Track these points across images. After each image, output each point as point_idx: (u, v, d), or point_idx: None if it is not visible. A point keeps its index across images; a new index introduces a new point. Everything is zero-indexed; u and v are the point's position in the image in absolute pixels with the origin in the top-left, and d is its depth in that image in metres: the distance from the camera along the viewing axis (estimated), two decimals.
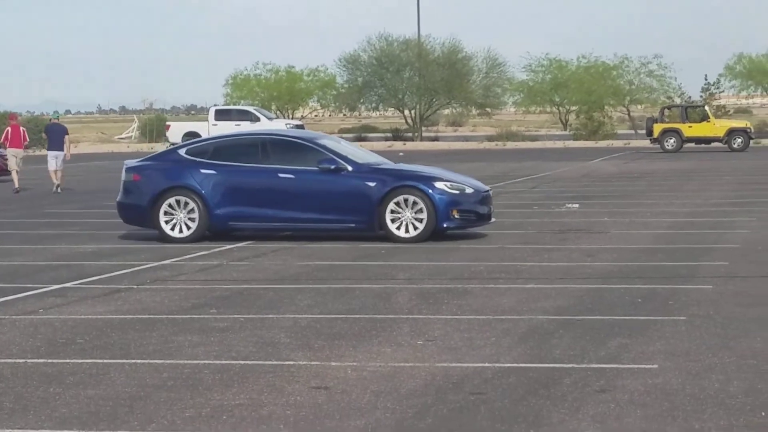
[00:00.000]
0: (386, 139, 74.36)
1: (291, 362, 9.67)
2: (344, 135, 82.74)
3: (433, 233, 18.23)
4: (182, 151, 19.18)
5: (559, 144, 68.79)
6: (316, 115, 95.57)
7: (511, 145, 68.58)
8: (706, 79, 76.65)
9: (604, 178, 35.78)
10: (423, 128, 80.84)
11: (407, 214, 18.18)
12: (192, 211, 18.54)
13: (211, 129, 57.50)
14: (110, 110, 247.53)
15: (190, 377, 9.15)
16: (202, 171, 18.69)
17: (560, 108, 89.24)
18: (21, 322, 11.67)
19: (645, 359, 9.62)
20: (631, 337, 10.55)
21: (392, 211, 18.18)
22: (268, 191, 18.52)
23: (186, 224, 18.57)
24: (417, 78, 78.20)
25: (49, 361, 9.82)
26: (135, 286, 14.03)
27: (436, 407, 8.15)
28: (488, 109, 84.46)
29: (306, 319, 11.72)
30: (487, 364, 9.51)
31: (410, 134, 77.63)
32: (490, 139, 73.16)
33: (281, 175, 18.59)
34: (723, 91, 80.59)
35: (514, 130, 78.33)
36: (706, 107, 60.90)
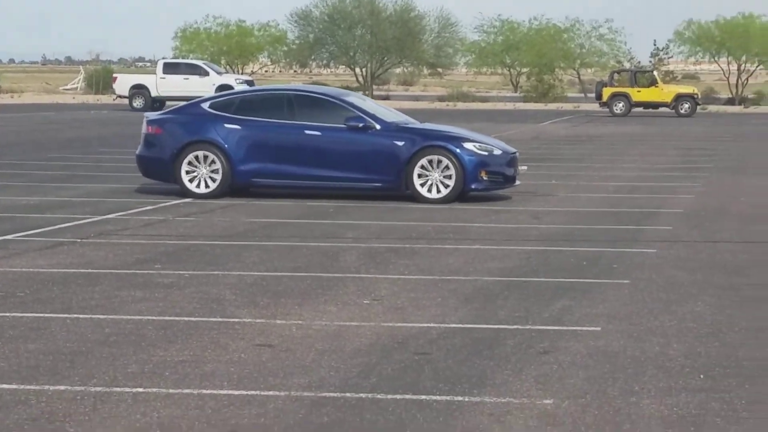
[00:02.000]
0: None
1: (235, 319, 9.64)
2: None
3: (460, 195, 18.08)
4: (206, 105, 18.83)
5: (509, 105, 68.93)
6: (266, 71, 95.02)
7: (461, 105, 68.58)
8: (655, 45, 77.10)
9: (553, 141, 35.89)
10: (374, 86, 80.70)
11: (435, 175, 17.97)
12: (215, 166, 18.29)
13: (158, 82, 56.99)
14: (56, 60, 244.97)
15: (133, 333, 9.09)
16: (226, 126, 18.39)
17: (511, 70, 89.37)
18: None
19: (588, 322, 9.68)
20: (575, 299, 10.61)
21: (420, 172, 18.01)
22: (294, 148, 18.24)
23: (208, 180, 18.34)
24: (369, 36, 78.03)
25: None
26: (78, 240, 13.91)
27: (380, 366, 8.16)
28: (440, 69, 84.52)
29: (252, 276, 11.69)
30: (432, 325, 9.52)
31: (361, 92, 77.44)
32: (441, 99, 73.11)
33: (308, 132, 18.30)
34: (672, 57, 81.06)
35: (465, 91, 78.32)
36: (655, 72, 61.30)
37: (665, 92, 56.98)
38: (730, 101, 73.47)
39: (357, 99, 19.53)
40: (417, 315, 9.91)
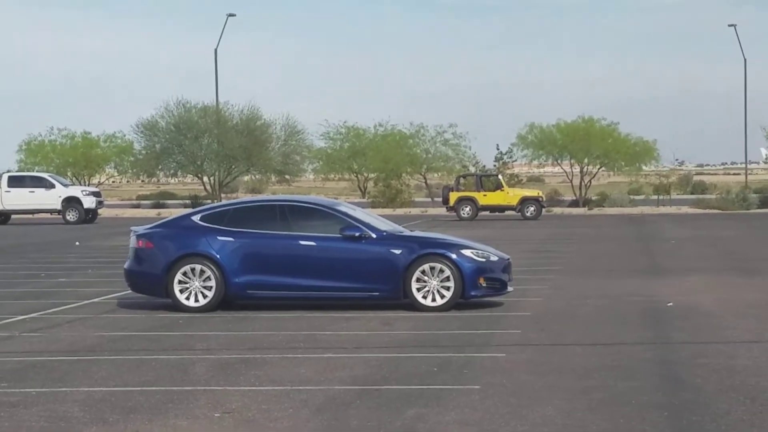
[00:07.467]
0: (185, 206, 73.81)
1: None
2: (142, 202, 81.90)
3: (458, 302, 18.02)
4: (196, 218, 18.52)
5: None
6: (113, 182, 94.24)
7: None
8: (498, 149, 78.59)
9: None
10: (222, 195, 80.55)
11: (434, 283, 17.91)
12: (208, 279, 17.98)
13: (3, 196, 56.08)
14: None
15: None
16: (219, 238, 18.13)
17: (358, 175, 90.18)
18: None
19: (440, 429, 9.72)
20: (427, 406, 10.66)
21: (418, 280, 17.91)
22: (290, 259, 18.01)
23: (201, 293, 18.01)
24: (216, 145, 77.99)
25: None
26: None
27: None
28: (287, 176, 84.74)
29: (101, 392, 11.50)
30: None
31: (209, 201, 77.13)
32: None
33: (303, 242, 18.14)
34: (516, 160, 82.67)
35: None
36: (500, 176, 62.45)
37: (511, 196, 58.08)
38: (575, 203, 75.19)
39: (348, 208, 19.30)
40: (269, 427, 9.85)
